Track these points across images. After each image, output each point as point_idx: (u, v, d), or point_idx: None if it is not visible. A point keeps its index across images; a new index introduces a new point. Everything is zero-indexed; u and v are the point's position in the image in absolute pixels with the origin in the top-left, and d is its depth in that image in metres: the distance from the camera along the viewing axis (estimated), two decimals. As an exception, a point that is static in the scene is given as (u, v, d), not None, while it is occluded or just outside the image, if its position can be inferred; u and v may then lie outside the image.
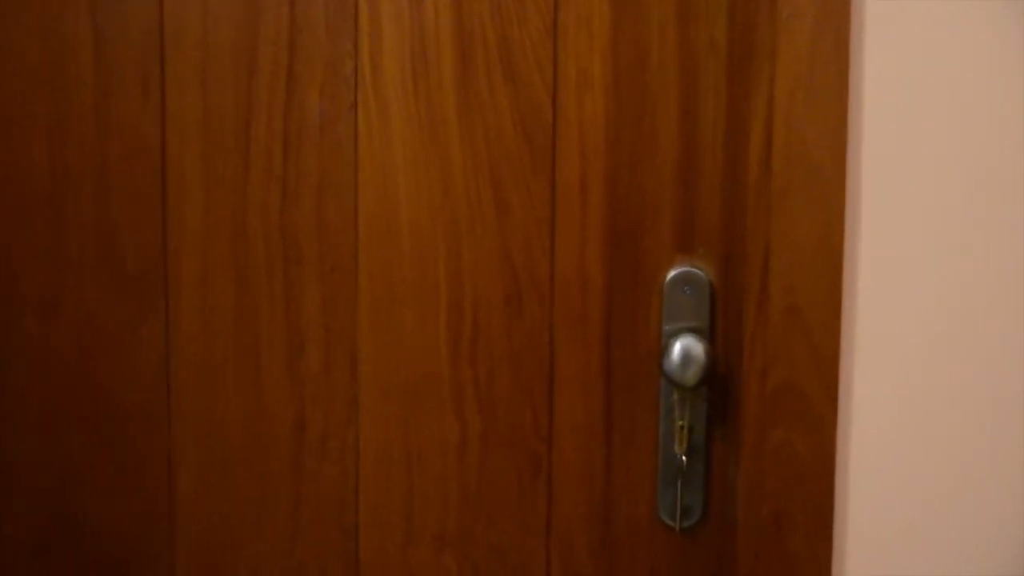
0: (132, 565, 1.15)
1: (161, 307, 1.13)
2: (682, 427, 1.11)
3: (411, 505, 1.14)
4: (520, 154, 1.11)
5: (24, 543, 1.15)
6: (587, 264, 1.11)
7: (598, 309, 1.11)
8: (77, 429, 1.14)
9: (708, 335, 1.09)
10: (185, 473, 1.14)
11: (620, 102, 1.09)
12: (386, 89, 1.10)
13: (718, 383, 1.09)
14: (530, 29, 1.09)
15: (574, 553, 1.13)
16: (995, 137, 0.98)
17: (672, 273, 1.10)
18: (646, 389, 1.11)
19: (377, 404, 1.13)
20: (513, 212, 1.11)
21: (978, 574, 1.01)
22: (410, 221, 1.12)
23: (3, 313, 1.13)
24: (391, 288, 1.12)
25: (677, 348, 1.07)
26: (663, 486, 1.12)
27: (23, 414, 1.14)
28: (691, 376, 1.06)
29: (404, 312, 1.12)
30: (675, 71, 1.09)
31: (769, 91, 1.00)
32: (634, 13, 1.08)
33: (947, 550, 1.02)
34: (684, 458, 1.10)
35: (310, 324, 1.13)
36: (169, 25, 1.10)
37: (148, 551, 1.15)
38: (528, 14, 1.08)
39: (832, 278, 0.99)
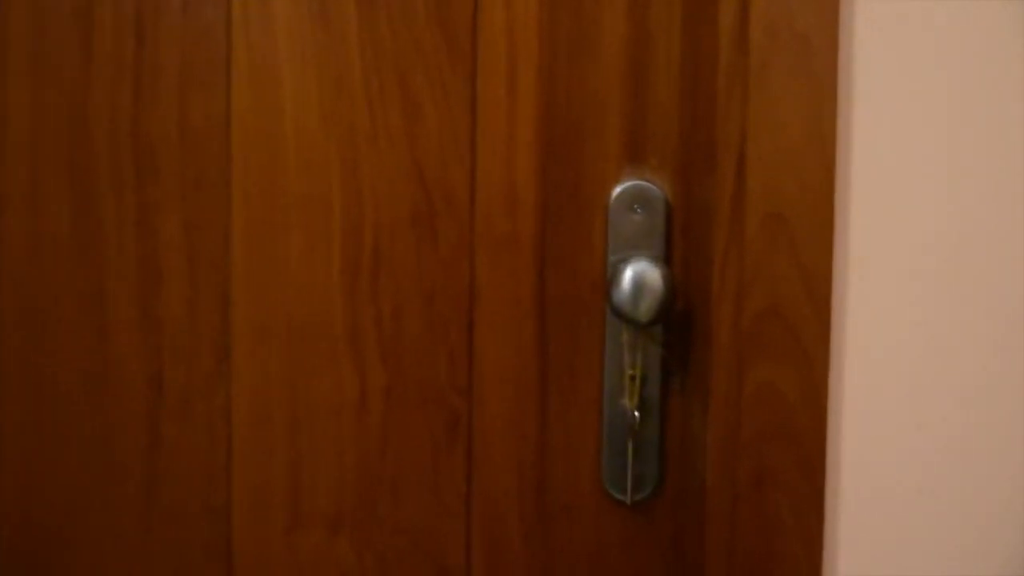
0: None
1: (-24, 232, 0.88)
2: (632, 377, 0.90)
3: (298, 479, 0.90)
4: (434, 42, 0.89)
5: None
6: (515, 177, 0.89)
7: (529, 232, 0.89)
8: None
9: (665, 263, 0.88)
10: (5, 446, 0.89)
11: (555, -18, 0.89)
12: (266, -40, 0.88)
13: (676, 323, 0.89)
14: None
15: (501, 534, 0.91)
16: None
17: (619, 189, 0.89)
18: (589, 329, 0.90)
19: (254, 353, 0.89)
20: (424, 114, 0.89)
21: (991, 541, 0.82)
22: (296, 125, 0.89)
23: None
24: (272, 208, 0.89)
25: (628, 275, 0.86)
26: (610, 450, 0.90)
27: None
28: (646, 309, 0.85)
29: (288, 238, 0.89)
30: (620, -54, 0.88)
31: (740, -46, 0.80)
32: None
33: (956, 514, 0.83)
34: (636, 414, 0.89)
35: (169, 254, 0.89)
36: None
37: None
38: None
39: (823, 176, 0.79)
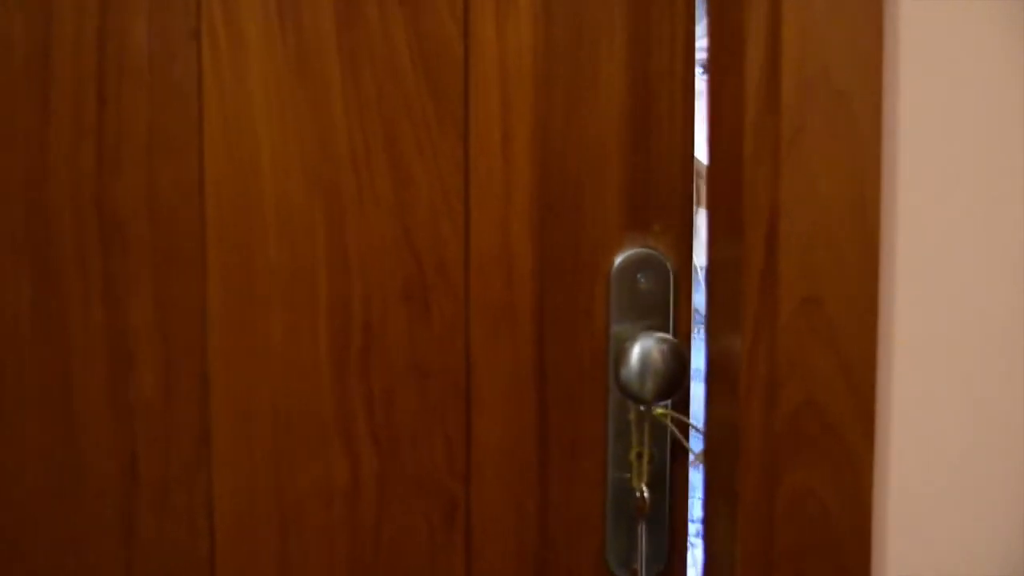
0: None
1: (-73, 314, 0.68)
2: (639, 454, 0.70)
3: (287, 573, 0.71)
4: (422, 101, 0.68)
5: None
6: (512, 245, 0.69)
7: (527, 303, 0.69)
8: None
9: (673, 335, 0.68)
10: (-36, 544, 0.69)
11: (551, 29, 0.68)
12: (240, 10, 0.67)
13: (685, 398, 0.69)
14: (433, -74, 0.67)
15: (505, 627, 0.71)
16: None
17: (621, 256, 0.69)
18: (591, 403, 0.70)
19: (236, 439, 0.70)
20: (414, 178, 0.69)
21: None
22: (276, 191, 0.69)
23: None
24: (251, 282, 0.69)
25: (636, 352, 0.66)
26: (616, 531, 0.71)
27: None
28: (653, 388, 0.65)
29: (270, 314, 0.69)
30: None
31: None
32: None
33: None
34: (646, 495, 0.70)
35: (141, 333, 0.69)
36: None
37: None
38: (430, -95, 0.66)
39: (865, 255, 0.59)
